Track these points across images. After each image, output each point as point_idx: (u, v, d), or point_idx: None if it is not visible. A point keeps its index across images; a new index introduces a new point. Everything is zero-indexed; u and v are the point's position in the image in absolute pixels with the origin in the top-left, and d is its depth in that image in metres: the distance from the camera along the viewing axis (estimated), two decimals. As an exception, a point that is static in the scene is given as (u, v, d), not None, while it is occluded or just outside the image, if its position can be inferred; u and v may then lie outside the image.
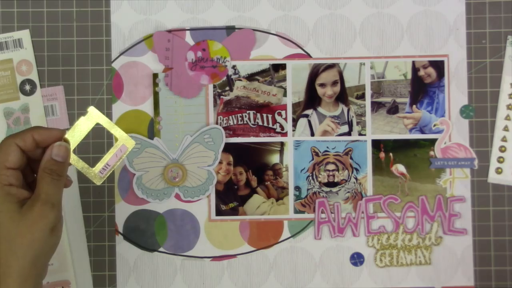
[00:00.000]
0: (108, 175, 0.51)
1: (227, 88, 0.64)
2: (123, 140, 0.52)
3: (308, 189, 0.64)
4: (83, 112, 0.63)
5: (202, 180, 0.63)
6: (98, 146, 0.63)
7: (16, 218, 0.44)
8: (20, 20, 0.64)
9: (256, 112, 0.64)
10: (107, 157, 0.51)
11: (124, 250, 0.63)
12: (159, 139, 0.63)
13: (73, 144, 0.50)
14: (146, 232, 0.63)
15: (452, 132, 0.64)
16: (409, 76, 0.64)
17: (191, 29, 0.64)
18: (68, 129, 0.52)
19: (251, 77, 0.64)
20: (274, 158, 0.64)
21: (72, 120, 0.63)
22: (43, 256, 0.46)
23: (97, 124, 0.50)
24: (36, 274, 0.45)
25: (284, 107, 0.64)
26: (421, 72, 0.64)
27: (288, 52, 0.64)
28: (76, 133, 0.50)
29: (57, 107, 0.63)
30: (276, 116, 0.64)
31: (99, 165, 0.51)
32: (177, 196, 0.63)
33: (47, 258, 0.47)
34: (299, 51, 0.64)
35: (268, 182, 0.64)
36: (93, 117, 0.51)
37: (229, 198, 0.64)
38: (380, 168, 0.64)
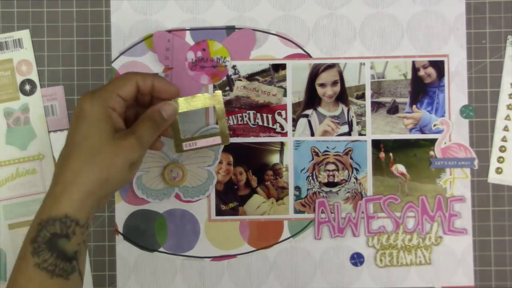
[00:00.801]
0: (188, 152, 0.55)
1: (227, 88, 0.64)
2: (223, 134, 0.56)
3: (308, 189, 0.64)
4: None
5: (202, 180, 0.63)
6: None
7: (106, 138, 0.46)
8: (20, 20, 0.64)
9: (256, 112, 0.64)
10: (198, 137, 0.56)
11: (124, 250, 0.63)
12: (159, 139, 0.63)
13: (182, 109, 0.54)
14: (146, 232, 0.63)
15: (452, 132, 0.64)
16: (409, 76, 0.64)
17: (191, 29, 0.64)
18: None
19: (251, 77, 0.64)
20: (274, 158, 0.64)
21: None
22: (113, 184, 0.47)
23: (213, 107, 0.56)
24: (98, 198, 0.47)
25: (284, 107, 0.64)
26: (421, 72, 0.64)
27: (288, 52, 0.64)
28: (191, 102, 0.54)
29: (57, 107, 0.64)
30: (276, 116, 0.64)
31: (187, 139, 0.56)
32: (177, 196, 0.63)
33: (113, 189, 0.49)
34: (299, 51, 0.64)
35: (268, 182, 0.64)
36: (215, 99, 0.56)
37: (229, 198, 0.64)
38: (380, 168, 0.64)
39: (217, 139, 0.56)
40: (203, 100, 0.55)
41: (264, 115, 0.64)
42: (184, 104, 0.54)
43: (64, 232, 0.45)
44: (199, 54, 0.63)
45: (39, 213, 0.46)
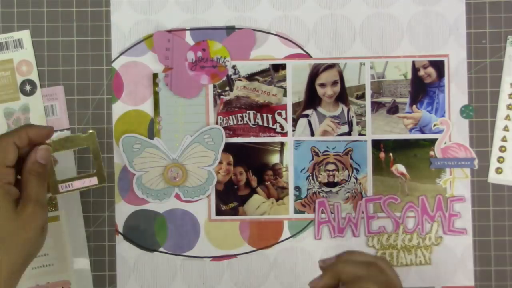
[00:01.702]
0: (62, 194, 0.54)
1: (227, 88, 0.64)
2: (99, 175, 0.56)
3: (308, 189, 0.64)
4: (83, 112, 0.64)
5: (202, 180, 0.63)
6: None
7: (12, 218, 0.45)
8: (20, 20, 0.64)
9: (256, 112, 0.64)
10: (74, 179, 0.55)
11: (124, 250, 0.63)
12: (159, 139, 0.63)
13: (56, 150, 0.53)
14: (146, 232, 0.63)
15: (452, 132, 0.64)
16: (409, 76, 0.64)
17: (191, 29, 0.64)
18: (58, 130, 0.55)
19: (251, 77, 0.64)
20: (274, 158, 0.64)
21: (72, 120, 0.63)
22: (34, 253, 0.47)
23: (87, 147, 0.55)
24: (24, 269, 0.47)
25: (284, 107, 0.64)
26: (421, 72, 0.64)
27: (288, 52, 0.64)
28: (65, 144, 0.54)
29: (57, 107, 0.64)
30: (276, 116, 0.64)
31: (64, 181, 0.54)
32: (177, 196, 0.63)
33: (35, 255, 0.48)
34: (299, 51, 0.64)
35: (268, 182, 0.64)
36: (89, 140, 0.55)
37: (229, 198, 0.64)
38: (380, 168, 0.64)
39: (94, 180, 0.56)
40: (78, 140, 0.54)
41: (264, 115, 0.64)
42: (57, 146, 0.53)
43: None
44: (199, 54, 0.63)
45: None
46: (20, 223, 0.46)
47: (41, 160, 0.49)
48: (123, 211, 0.63)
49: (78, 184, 0.55)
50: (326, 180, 0.64)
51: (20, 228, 0.45)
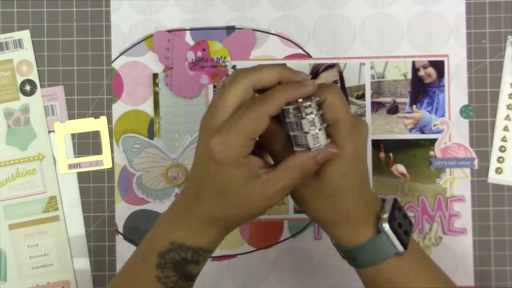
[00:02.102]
0: (69, 173, 0.55)
1: (227, 88, 0.64)
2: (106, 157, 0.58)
3: (308, 189, 0.64)
4: (83, 112, 0.64)
5: (202, 180, 0.63)
6: (98, 146, 0.63)
7: (242, 193, 0.41)
8: (20, 20, 0.64)
9: (256, 112, 0.64)
10: (84, 159, 0.56)
11: (124, 250, 0.63)
12: (159, 139, 0.63)
13: None
14: (146, 232, 0.63)
15: (452, 132, 0.64)
16: (409, 76, 0.64)
17: (191, 29, 0.64)
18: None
19: (251, 77, 0.64)
20: (274, 158, 0.64)
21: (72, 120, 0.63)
22: (248, 218, 0.44)
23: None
24: (229, 229, 0.45)
25: (284, 107, 0.64)
26: (421, 72, 0.64)
27: (288, 52, 0.64)
28: None
29: (57, 107, 0.64)
30: (276, 116, 0.64)
31: (72, 160, 0.55)
32: (177, 196, 0.63)
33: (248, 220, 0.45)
34: (299, 51, 0.64)
35: (268, 182, 0.64)
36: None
37: (229, 198, 0.64)
38: (380, 168, 0.64)
39: (101, 163, 0.58)
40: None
41: (264, 115, 0.64)
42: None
43: (195, 259, 0.44)
44: (199, 54, 0.63)
45: (171, 228, 0.44)
46: (249, 201, 0.41)
47: (321, 160, 0.41)
48: (123, 211, 0.63)
49: (86, 166, 0.57)
50: (326, 180, 0.64)
51: (245, 204, 0.41)
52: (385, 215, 0.43)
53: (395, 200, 0.45)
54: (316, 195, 0.44)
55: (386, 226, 0.43)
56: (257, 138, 0.41)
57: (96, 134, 0.63)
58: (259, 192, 0.41)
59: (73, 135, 0.63)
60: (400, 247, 0.43)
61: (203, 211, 0.43)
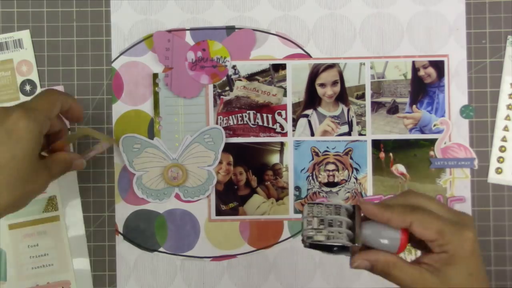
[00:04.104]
0: (88, 157, 0.58)
1: (227, 88, 0.64)
2: (105, 138, 0.60)
3: (308, 189, 0.64)
4: (83, 112, 0.63)
5: (202, 180, 0.63)
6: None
7: (31, 167, 0.47)
8: (20, 20, 0.64)
9: (256, 112, 0.64)
10: (89, 151, 0.59)
11: (124, 250, 0.63)
12: (159, 139, 0.63)
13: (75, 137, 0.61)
14: (146, 232, 0.63)
15: (452, 132, 0.64)
16: (409, 76, 0.64)
17: (191, 29, 0.64)
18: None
19: (251, 77, 0.64)
20: (274, 158, 0.64)
21: (72, 120, 0.64)
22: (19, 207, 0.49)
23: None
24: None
25: (284, 107, 0.64)
26: (421, 72, 0.64)
27: (288, 52, 0.64)
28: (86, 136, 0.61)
29: (57, 107, 0.63)
30: (276, 116, 0.64)
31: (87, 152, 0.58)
32: (177, 196, 0.63)
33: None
34: (299, 51, 0.64)
35: (268, 182, 0.64)
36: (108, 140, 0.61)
37: (229, 198, 0.64)
38: (380, 168, 0.64)
39: (105, 145, 0.60)
40: (97, 137, 0.60)
41: (264, 115, 0.64)
42: (79, 134, 0.59)
43: None
44: (199, 54, 0.63)
45: None
46: (31, 179, 0.48)
47: (74, 168, 0.55)
48: (123, 211, 0.63)
49: (93, 153, 0.59)
50: (326, 180, 0.64)
51: (28, 184, 0.47)
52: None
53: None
54: None
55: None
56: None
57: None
58: (42, 174, 0.50)
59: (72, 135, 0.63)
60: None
61: None
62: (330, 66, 0.64)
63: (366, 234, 0.42)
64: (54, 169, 0.51)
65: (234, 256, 0.64)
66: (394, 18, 0.64)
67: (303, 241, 0.43)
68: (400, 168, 0.64)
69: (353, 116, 0.64)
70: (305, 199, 0.64)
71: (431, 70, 0.64)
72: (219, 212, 0.64)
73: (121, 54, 0.64)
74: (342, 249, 0.42)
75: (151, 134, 0.63)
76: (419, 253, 0.45)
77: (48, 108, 0.49)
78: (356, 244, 0.41)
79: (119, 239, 0.63)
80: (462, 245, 0.40)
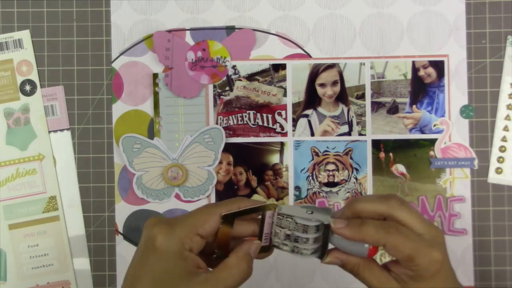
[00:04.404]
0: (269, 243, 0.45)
1: (227, 88, 0.64)
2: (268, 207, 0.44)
3: (308, 189, 0.64)
4: (83, 112, 0.64)
5: (202, 180, 0.63)
6: (98, 146, 0.63)
7: (180, 287, 0.39)
8: (20, 20, 0.64)
9: (256, 112, 0.64)
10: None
11: (124, 250, 0.63)
12: (159, 139, 0.63)
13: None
14: (146, 232, 0.63)
15: (452, 132, 0.64)
16: (409, 76, 0.64)
17: (191, 29, 0.64)
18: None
19: (251, 77, 0.64)
20: (274, 158, 0.64)
21: (72, 120, 0.63)
22: None
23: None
24: None
25: (284, 107, 0.64)
26: (421, 72, 0.64)
27: (288, 52, 0.64)
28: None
29: (57, 107, 0.64)
30: (276, 116, 0.64)
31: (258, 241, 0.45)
32: (177, 196, 0.63)
33: None
34: (299, 51, 0.64)
35: (268, 182, 0.64)
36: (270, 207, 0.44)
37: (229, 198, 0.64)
38: (380, 168, 0.64)
39: (270, 213, 0.44)
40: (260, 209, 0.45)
41: (264, 115, 0.64)
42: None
43: None
44: (199, 54, 0.63)
45: None
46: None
47: (254, 256, 0.43)
48: (123, 211, 0.63)
49: (268, 228, 0.45)
50: (326, 180, 0.64)
51: None
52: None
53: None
54: None
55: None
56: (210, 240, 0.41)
57: (96, 134, 0.63)
58: (195, 284, 0.39)
59: (73, 135, 0.63)
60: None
61: None
62: (330, 66, 0.64)
63: (336, 244, 0.42)
64: (225, 277, 0.41)
65: (234, 256, 0.63)
66: (394, 18, 0.64)
67: (270, 240, 0.43)
68: (400, 168, 0.64)
69: (353, 116, 0.64)
70: (305, 199, 0.64)
71: (431, 70, 0.64)
72: (219, 212, 0.64)
73: (121, 54, 0.64)
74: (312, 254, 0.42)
75: (151, 134, 0.63)
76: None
77: (197, 224, 0.41)
78: (323, 260, 0.42)
79: (119, 239, 0.63)
80: (428, 267, 0.41)
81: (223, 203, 0.43)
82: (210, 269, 0.42)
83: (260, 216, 0.43)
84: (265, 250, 0.44)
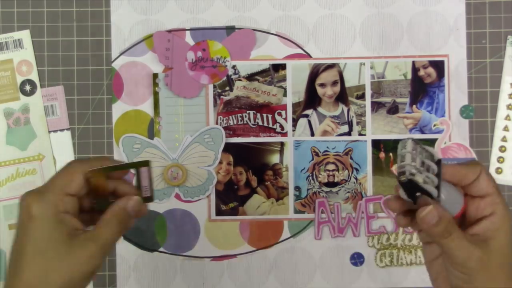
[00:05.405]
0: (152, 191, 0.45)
1: (227, 88, 0.64)
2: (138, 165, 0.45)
3: (308, 189, 0.64)
4: (83, 112, 0.64)
5: (202, 180, 0.63)
6: (98, 146, 0.63)
7: (62, 251, 0.40)
8: (20, 20, 0.64)
9: (256, 112, 0.64)
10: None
11: (124, 250, 0.63)
12: (159, 139, 0.63)
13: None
14: (146, 232, 0.63)
15: (452, 132, 0.64)
16: (409, 76, 0.64)
17: (191, 29, 0.64)
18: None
19: (251, 77, 0.64)
20: (274, 158, 0.64)
21: (72, 120, 0.63)
22: None
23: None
24: None
25: (284, 107, 0.64)
26: (421, 72, 0.64)
27: (288, 52, 0.64)
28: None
29: (57, 107, 0.64)
30: (276, 116, 0.64)
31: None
32: (177, 196, 0.63)
33: None
34: (299, 51, 0.64)
35: (268, 182, 0.64)
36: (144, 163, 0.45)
37: (229, 198, 0.64)
38: (380, 168, 0.64)
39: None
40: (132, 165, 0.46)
41: (264, 115, 0.64)
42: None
43: None
44: (199, 54, 0.63)
45: None
46: (71, 262, 0.40)
47: (132, 211, 0.43)
48: (123, 211, 0.63)
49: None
50: (326, 180, 0.64)
51: (68, 268, 0.40)
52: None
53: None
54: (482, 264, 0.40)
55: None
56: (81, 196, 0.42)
57: (96, 134, 0.63)
58: (80, 251, 0.40)
59: (73, 135, 0.63)
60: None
61: (21, 285, 0.39)
62: (330, 66, 0.64)
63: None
64: (104, 234, 0.42)
65: (234, 256, 0.64)
66: (394, 18, 0.64)
67: (402, 173, 0.41)
68: (400, 168, 0.64)
69: (353, 116, 0.64)
70: (305, 199, 0.64)
71: (431, 70, 0.64)
72: (219, 212, 0.64)
73: (121, 54, 0.64)
74: (421, 196, 0.41)
75: (151, 134, 0.63)
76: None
77: (63, 185, 0.42)
78: (439, 197, 0.40)
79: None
80: (506, 212, 0.41)
81: (86, 160, 0.44)
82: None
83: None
84: (149, 201, 0.45)
